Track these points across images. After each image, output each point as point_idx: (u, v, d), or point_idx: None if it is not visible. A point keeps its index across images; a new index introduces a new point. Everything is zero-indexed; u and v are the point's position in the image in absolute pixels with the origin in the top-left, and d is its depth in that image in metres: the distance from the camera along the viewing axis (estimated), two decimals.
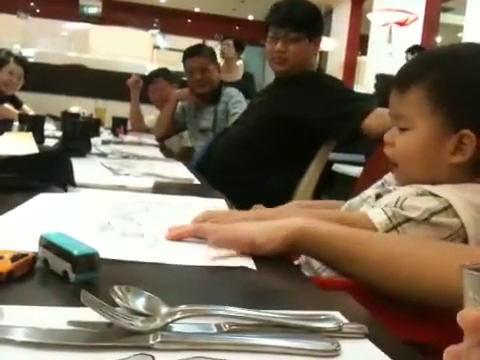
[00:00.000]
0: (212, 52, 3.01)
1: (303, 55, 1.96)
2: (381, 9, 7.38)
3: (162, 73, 3.58)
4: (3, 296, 0.48)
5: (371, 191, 0.96)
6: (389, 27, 7.19)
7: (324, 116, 1.81)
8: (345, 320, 0.49)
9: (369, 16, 7.63)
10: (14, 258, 0.52)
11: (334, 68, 8.81)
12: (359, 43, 9.04)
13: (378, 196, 0.91)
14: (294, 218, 0.73)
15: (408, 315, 0.69)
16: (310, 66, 2.04)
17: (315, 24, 2.00)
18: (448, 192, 0.80)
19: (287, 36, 1.93)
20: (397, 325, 0.59)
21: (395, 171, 0.93)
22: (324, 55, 9.65)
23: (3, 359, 0.38)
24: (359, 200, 0.96)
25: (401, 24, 7.02)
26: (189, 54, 2.95)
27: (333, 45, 8.93)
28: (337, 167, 3.40)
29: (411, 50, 5.07)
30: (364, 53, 8.96)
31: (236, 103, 2.79)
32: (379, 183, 1.00)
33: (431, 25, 6.70)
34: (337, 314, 0.50)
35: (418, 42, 6.12)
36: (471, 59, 0.87)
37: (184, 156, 2.46)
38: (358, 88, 7.01)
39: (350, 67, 8.95)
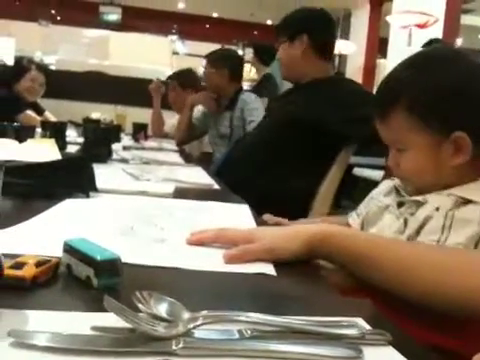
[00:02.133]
0: (216, 56, 2.99)
1: (288, 57, 2.00)
2: (400, 11, 7.32)
3: (176, 77, 3.60)
4: (27, 301, 0.49)
5: (388, 199, 0.95)
6: (409, 29, 7.13)
7: (342, 119, 1.81)
8: (368, 327, 0.49)
9: (388, 19, 7.57)
10: (38, 264, 0.53)
11: (353, 71, 8.76)
12: (378, 46, 8.98)
13: (400, 204, 0.91)
14: (313, 223, 0.72)
15: (431, 322, 0.68)
16: (306, 67, 2.02)
17: (288, 24, 2.04)
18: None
19: (277, 44, 2.04)
20: (419, 332, 0.58)
21: (407, 185, 0.94)
22: (343, 58, 9.61)
23: None
24: (377, 209, 0.96)
25: (421, 26, 6.96)
26: (207, 59, 2.99)
27: (352, 48, 8.89)
28: (358, 171, 3.38)
29: (429, 44, 4.98)
30: (384, 56, 8.90)
31: (252, 110, 2.77)
32: (388, 188, 0.99)
33: (452, 27, 6.62)
34: (360, 321, 0.50)
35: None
36: (440, 62, 0.88)
37: (203, 161, 2.47)
38: None
39: (369, 70, 8.89)
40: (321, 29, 2.05)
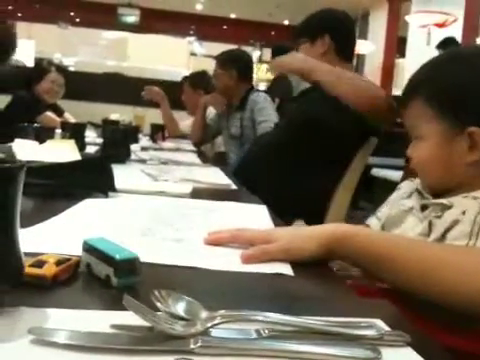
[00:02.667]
0: (225, 57, 2.99)
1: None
2: (419, 11, 7.25)
3: (187, 79, 3.62)
4: (48, 299, 0.49)
5: (410, 201, 0.95)
6: (428, 29, 7.06)
7: (359, 118, 1.81)
8: (387, 328, 0.49)
9: (407, 18, 7.51)
10: (58, 262, 0.54)
11: (372, 71, 8.70)
12: (397, 45, 8.91)
13: (424, 207, 0.90)
14: (331, 224, 0.72)
15: (449, 323, 0.67)
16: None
17: (310, 25, 2.04)
18: None
19: (296, 44, 2.04)
20: (437, 333, 0.58)
21: (422, 180, 0.95)
22: (361, 58, 9.55)
23: None
24: (399, 211, 0.95)
25: (440, 25, 6.89)
26: (216, 59, 3.00)
27: (370, 48, 8.83)
28: (376, 171, 3.35)
29: (442, 45, 4.87)
30: (402, 55, 8.83)
31: (261, 110, 2.76)
32: (410, 189, 0.98)
33: (471, 26, 6.53)
34: (378, 322, 0.50)
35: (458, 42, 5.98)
36: (462, 60, 0.91)
37: (218, 161, 2.48)
38: (397, 91, 6.90)
39: (388, 70, 8.82)
40: (343, 30, 2.05)
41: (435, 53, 5.52)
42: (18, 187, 0.44)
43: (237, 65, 2.93)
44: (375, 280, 0.77)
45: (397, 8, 8.69)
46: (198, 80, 3.56)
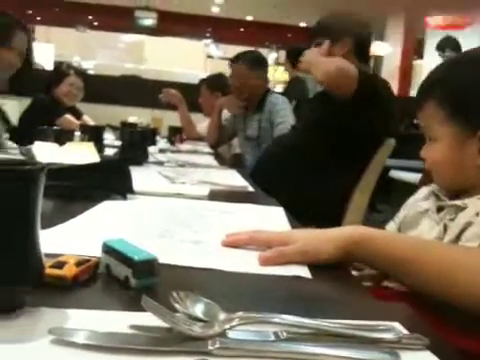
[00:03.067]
0: (253, 59, 2.98)
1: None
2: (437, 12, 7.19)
3: (204, 81, 3.63)
4: (68, 300, 0.50)
5: (426, 203, 0.94)
6: (446, 30, 6.99)
7: (378, 119, 1.81)
8: (405, 331, 0.48)
9: (426, 19, 7.45)
10: (78, 263, 0.54)
11: (389, 73, 8.64)
12: (415, 47, 8.84)
13: (439, 209, 0.89)
14: (348, 226, 0.72)
15: (464, 325, 0.66)
16: None
17: (332, 27, 2.07)
18: None
19: (313, 44, 2.05)
20: (451, 336, 0.57)
21: (436, 182, 0.96)
22: (379, 60, 9.49)
23: None
24: (415, 213, 0.94)
25: (458, 27, 6.82)
26: (230, 62, 2.99)
27: (388, 49, 8.77)
28: (395, 173, 3.33)
29: (441, 45, 4.75)
30: (420, 57, 8.75)
31: (280, 111, 2.76)
32: (427, 192, 0.97)
33: None
34: (397, 325, 0.49)
35: (476, 45, 5.91)
36: (474, 62, 0.91)
37: (235, 163, 2.48)
38: (415, 93, 6.84)
39: (406, 72, 8.76)
40: (364, 35, 2.09)
41: (453, 55, 5.42)
42: (39, 189, 0.44)
43: (263, 67, 2.96)
44: (389, 281, 0.77)
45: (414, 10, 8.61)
46: (215, 82, 3.57)
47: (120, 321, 0.45)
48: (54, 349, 0.40)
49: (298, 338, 0.45)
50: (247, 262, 0.67)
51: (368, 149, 1.92)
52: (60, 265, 0.53)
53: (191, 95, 3.55)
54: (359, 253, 0.69)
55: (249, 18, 11.76)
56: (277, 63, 11.42)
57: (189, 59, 11.23)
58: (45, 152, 1.36)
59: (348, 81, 1.80)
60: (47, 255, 0.48)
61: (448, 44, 4.67)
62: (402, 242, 0.71)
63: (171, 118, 3.82)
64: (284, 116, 2.69)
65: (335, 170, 1.90)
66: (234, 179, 1.60)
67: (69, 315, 0.46)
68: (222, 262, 0.66)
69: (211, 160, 2.29)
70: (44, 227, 0.47)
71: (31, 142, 1.69)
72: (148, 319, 0.44)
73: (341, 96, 1.82)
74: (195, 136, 3.48)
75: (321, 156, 1.93)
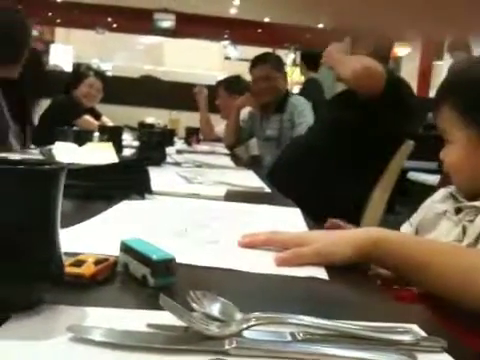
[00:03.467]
0: (277, 61, 3.00)
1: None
2: None
3: (222, 83, 3.64)
4: (86, 298, 0.50)
5: (444, 205, 0.94)
6: None
7: (397, 119, 1.80)
8: (423, 333, 0.48)
9: None
10: (97, 262, 0.55)
11: (408, 74, 8.56)
12: (435, 48, 8.75)
13: (458, 210, 0.88)
14: (367, 227, 0.72)
15: None
16: None
17: None
18: None
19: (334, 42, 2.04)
20: (468, 338, 0.56)
21: (454, 183, 0.96)
22: (398, 60, 9.41)
23: (83, 357, 0.39)
24: (433, 215, 0.94)
25: None
26: (254, 63, 2.99)
27: (407, 50, 8.70)
28: (413, 175, 3.29)
29: (450, 46, 4.66)
30: (440, 58, 8.66)
31: (301, 112, 2.77)
32: (445, 194, 0.97)
33: None
34: (414, 327, 0.49)
35: None
36: None
37: (252, 164, 2.48)
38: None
39: (425, 73, 8.67)
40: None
41: (462, 54, 5.34)
42: (59, 188, 0.45)
43: (284, 69, 2.98)
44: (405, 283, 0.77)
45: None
46: (233, 85, 3.57)
47: (137, 319, 0.45)
48: (73, 346, 0.40)
49: (315, 339, 0.45)
50: (264, 263, 0.67)
51: (387, 150, 1.90)
52: (79, 264, 0.54)
53: (209, 96, 3.57)
54: (376, 254, 0.68)
55: (267, 19, 11.75)
56: (294, 64, 11.39)
57: (207, 60, 11.26)
58: (65, 152, 1.38)
59: (376, 81, 1.80)
60: (66, 254, 0.48)
61: (457, 44, 4.61)
62: (419, 245, 0.70)
63: (188, 119, 3.84)
64: (305, 117, 2.69)
65: (353, 171, 1.89)
66: (250, 180, 1.61)
67: (87, 313, 0.46)
68: (239, 262, 0.66)
69: (227, 161, 2.29)
70: (63, 226, 0.48)
71: (51, 142, 1.71)
72: (165, 318, 0.44)
73: (367, 95, 1.81)
74: (212, 137, 3.49)
75: (339, 157, 1.93)
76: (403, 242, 0.69)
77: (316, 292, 0.61)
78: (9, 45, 2.15)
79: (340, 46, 1.99)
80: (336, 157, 1.94)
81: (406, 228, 1.03)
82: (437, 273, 0.66)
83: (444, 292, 0.66)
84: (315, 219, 1.02)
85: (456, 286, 0.65)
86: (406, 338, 0.46)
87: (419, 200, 1.05)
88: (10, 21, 2.19)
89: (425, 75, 8.59)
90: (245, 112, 3.15)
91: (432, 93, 7.30)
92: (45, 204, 0.44)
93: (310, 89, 4.10)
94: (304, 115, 2.73)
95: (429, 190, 1.08)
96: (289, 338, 0.44)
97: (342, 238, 0.70)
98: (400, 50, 8.44)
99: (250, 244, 0.74)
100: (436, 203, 0.97)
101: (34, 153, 1.85)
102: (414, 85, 7.77)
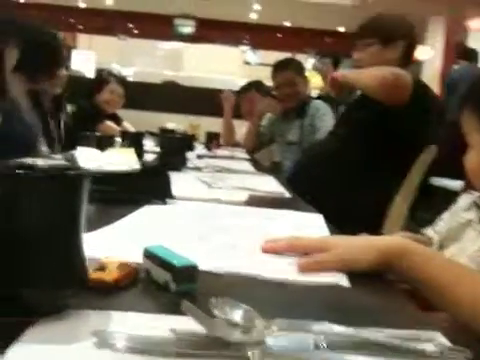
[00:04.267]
0: (300, 66, 3.01)
1: (376, 59, 1.96)
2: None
3: (255, 85, 3.64)
4: (109, 303, 0.51)
5: (469, 214, 0.92)
6: None
7: (420, 123, 1.79)
8: (447, 342, 0.47)
9: (468, 23, 7.28)
10: (120, 267, 0.55)
11: (430, 77, 8.47)
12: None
13: None
14: (392, 236, 0.71)
15: None
16: None
17: (385, 27, 2.02)
18: None
19: (360, 44, 2.00)
20: None
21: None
22: (419, 64, 9.32)
23: None
24: (458, 225, 0.92)
25: None
26: (277, 68, 2.99)
27: (429, 53, 8.60)
28: (436, 180, 3.24)
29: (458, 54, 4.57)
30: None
31: (322, 116, 2.77)
32: (469, 201, 0.95)
33: None
34: (438, 336, 0.48)
35: None
36: None
37: (273, 170, 2.48)
38: None
39: (447, 76, 8.55)
40: (414, 37, 2.08)
41: (464, 63, 5.19)
42: (83, 194, 0.46)
43: (305, 73, 2.99)
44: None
45: (456, 12, 8.43)
46: (265, 87, 3.57)
47: (160, 325, 0.46)
48: (97, 351, 0.41)
49: (337, 347, 0.45)
50: (285, 269, 0.67)
51: (410, 155, 1.89)
52: (102, 269, 0.54)
53: None
54: (397, 266, 0.67)
55: (287, 24, 11.74)
56: (315, 68, 11.34)
57: (227, 65, 11.30)
58: (87, 158, 1.39)
59: (403, 89, 1.77)
60: (89, 258, 0.49)
61: (466, 51, 4.55)
62: (440, 265, 0.68)
63: (208, 124, 3.86)
64: (326, 121, 2.69)
65: (374, 176, 1.88)
66: (271, 185, 1.61)
67: (111, 318, 0.47)
68: (260, 268, 0.66)
69: (248, 166, 2.29)
70: (86, 231, 0.49)
71: (73, 148, 1.74)
72: (188, 323, 0.44)
73: (393, 105, 1.78)
74: (233, 142, 3.50)
75: (359, 162, 1.91)
76: (425, 258, 0.68)
77: (337, 299, 0.60)
78: (44, 60, 2.20)
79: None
80: (357, 162, 1.92)
81: (429, 233, 1.01)
82: (452, 297, 0.64)
83: (458, 316, 0.65)
84: (336, 224, 1.01)
85: (471, 312, 0.63)
86: (430, 347, 0.45)
87: (442, 205, 1.04)
88: (46, 37, 2.24)
89: (447, 78, 8.47)
90: (265, 117, 3.16)
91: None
92: (70, 210, 0.45)
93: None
94: (325, 120, 2.73)
95: (452, 196, 1.07)
96: (311, 346, 0.44)
97: (365, 245, 0.69)
98: (422, 53, 8.35)
99: (272, 250, 0.74)
100: (460, 212, 0.95)
101: (57, 158, 1.88)
102: (436, 89, 7.68)
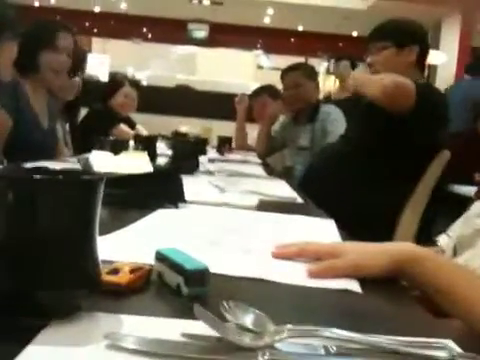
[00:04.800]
0: (310, 70, 3.00)
1: (390, 63, 1.96)
2: None
3: (267, 89, 3.65)
4: (122, 306, 0.51)
5: None
6: None
7: (432, 128, 1.78)
8: (459, 349, 0.47)
9: None
10: (132, 270, 0.56)
11: (443, 83, 8.41)
12: (471, 56, 8.57)
13: None
14: (404, 242, 0.71)
15: None
16: (409, 75, 1.99)
17: (400, 31, 2.02)
18: None
19: (374, 48, 2.00)
20: None
21: None
22: (433, 69, 9.26)
23: None
24: (472, 231, 0.92)
25: None
26: (285, 71, 3.00)
27: (442, 59, 8.55)
28: (451, 186, 3.22)
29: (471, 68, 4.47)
30: None
31: (333, 121, 2.76)
32: None
33: None
34: (450, 342, 0.48)
35: None
36: None
37: (285, 175, 2.48)
38: None
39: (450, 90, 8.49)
40: (427, 42, 2.10)
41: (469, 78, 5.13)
42: (98, 198, 0.46)
43: (316, 76, 2.98)
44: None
45: (470, 17, 8.37)
46: (277, 91, 3.58)
47: (172, 328, 0.46)
48: (109, 353, 0.41)
49: (348, 353, 0.45)
50: (296, 274, 0.67)
51: (423, 160, 1.88)
52: (115, 272, 0.55)
53: None
54: (409, 272, 0.67)
55: (300, 28, 11.74)
56: (328, 72, 11.32)
57: (240, 70, 11.32)
58: (101, 161, 1.41)
59: (406, 96, 1.78)
60: (102, 261, 0.49)
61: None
62: (452, 271, 0.68)
63: (220, 128, 3.87)
64: (336, 126, 2.68)
65: (386, 181, 1.87)
66: (283, 190, 1.60)
67: (123, 321, 0.47)
68: (272, 273, 0.66)
69: (260, 170, 2.29)
70: (99, 234, 0.49)
71: (88, 151, 1.75)
72: (199, 327, 0.44)
73: (398, 112, 1.79)
74: (245, 146, 3.50)
75: (372, 166, 1.91)
76: (436, 265, 0.67)
77: (349, 305, 0.60)
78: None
79: (363, 72, 1.98)
80: (369, 166, 1.92)
81: (443, 239, 1.01)
82: (463, 303, 0.64)
83: (469, 323, 0.64)
84: (346, 229, 1.01)
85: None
86: (441, 354, 0.45)
87: (455, 211, 1.04)
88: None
89: None
90: (278, 122, 3.16)
91: None
92: (84, 213, 0.46)
93: (356, 99, 4.08)
94: (336, 124, 2.72)
95: (466, 201, 1.06)
96: (322, 351, 0.44)
97: (377, 251, 0.69)
98: (435, 59, 8.30)
99: (283, 255, 0.74)
100: (474, 218, 0.95)
101: (71, 161, 1.90)
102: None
